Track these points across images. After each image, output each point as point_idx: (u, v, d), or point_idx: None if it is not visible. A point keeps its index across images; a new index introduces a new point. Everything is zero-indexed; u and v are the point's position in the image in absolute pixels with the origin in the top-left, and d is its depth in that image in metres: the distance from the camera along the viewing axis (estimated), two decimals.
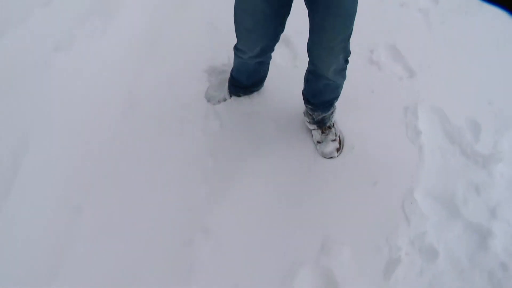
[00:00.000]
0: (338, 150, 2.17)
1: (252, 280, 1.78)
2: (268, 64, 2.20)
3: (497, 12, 2.82)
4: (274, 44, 1.95)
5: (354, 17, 1.66)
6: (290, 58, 2.61)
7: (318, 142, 2.18)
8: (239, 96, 2.33)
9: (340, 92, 2.08)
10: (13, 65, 2.47)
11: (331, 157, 2.16)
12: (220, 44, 2.62)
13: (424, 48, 2.65)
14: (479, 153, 2.13)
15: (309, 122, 2.21)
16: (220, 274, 1.80)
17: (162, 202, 1.99)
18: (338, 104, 2.13)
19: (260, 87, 2.35)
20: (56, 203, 1.98)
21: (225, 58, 2.55)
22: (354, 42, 2.33)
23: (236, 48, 2.00)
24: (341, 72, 1.92)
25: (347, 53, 1.84)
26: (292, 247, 1.84)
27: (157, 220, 1.93)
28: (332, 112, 2.17)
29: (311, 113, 2.15)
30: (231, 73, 2.28)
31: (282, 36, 1.91)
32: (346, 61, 1.89)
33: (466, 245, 1.84)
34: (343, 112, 2.26)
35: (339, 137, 2.21)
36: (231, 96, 2.35)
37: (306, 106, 2.17)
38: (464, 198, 1.97)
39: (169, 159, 2.13)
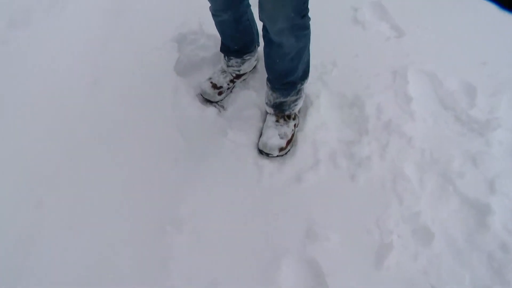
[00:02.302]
0: (281, 149, 1.88)
1: (232, 274, 1.61)
2: (249, 22, 1.96)
3: None
4: None
5: None
6: None
7: (266, 129, 1.92)
8: (230, 59, 2.06)
9: (302, 67, 1.80)
10: None
11: (267, 154, 1.87)
12: (191, 8, 2.38)
13: (413, 4, 2.43)
14: (475, 119, 1.96)
15: (266, 103, 1.97)
16: (197, 267, 1.62)
17: (129, 189, 1.79)
18: (315, 71, 1.90)
19: (251, 51, 2.08)
20: (16, 197, 1.78)
21: (196, 24, 2.33)
22: (336, 1, 2.13)
23: (209, 8, 1.84)
24: (296, 32, 1.59)
25: (300, 8, 1.51)
26: (274, 236, 1.67)
27: (124, 210, 1.74)
28: (296, 100, 1.90)
29: (269, 93, 1.91)
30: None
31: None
32: (304, 17, 1.56)
33: (463, 224, 1.67)
34: (323, 79, 2.07)
35: (291, 135, 1.93)
36: (225, 59, 2.09)
37: (266, 84, 1.92)
38: (460, 171, 1.80)
39: (137, 140, 1.92)
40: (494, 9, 2.41)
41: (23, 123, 1.96)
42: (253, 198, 1.75)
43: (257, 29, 2.06)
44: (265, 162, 1.85)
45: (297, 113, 1.97)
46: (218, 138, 1.89)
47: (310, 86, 2.02)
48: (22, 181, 1.82)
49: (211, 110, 1.99)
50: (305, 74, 1.86)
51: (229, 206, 1.75)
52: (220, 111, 2.03)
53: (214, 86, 2.08)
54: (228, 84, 2.11)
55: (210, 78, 2.12)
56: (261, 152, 1.88)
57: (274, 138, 1.88)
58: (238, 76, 2.14)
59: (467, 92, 2.05)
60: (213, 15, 1.88)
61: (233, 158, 1.86)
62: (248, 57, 2.09)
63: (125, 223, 1.72)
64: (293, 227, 1.68)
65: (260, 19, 1.61)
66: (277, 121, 1.93)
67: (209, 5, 1.82)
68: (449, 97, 2.04)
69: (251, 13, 1.96)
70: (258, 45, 2.13)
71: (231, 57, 2.06)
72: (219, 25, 1.93)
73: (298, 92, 1.88)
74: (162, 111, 1.97)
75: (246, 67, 2.11)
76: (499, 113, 1.96)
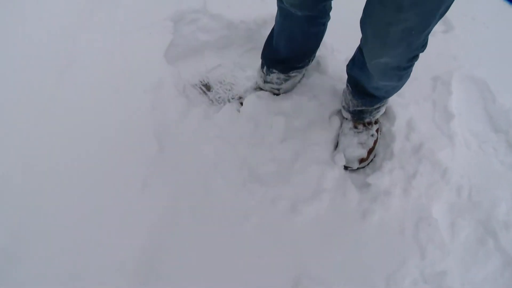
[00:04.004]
0: (362, 161, 1.56)
1: None
2: (323, 29, 1.52)
3: None
4: None
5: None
6: None
7: (342, 138, 1.59)
8: (272, 73, 1.62)
9: (394, 92, 1.47)
10: None
11: (348, 168, 1.55)
12: None
13: None
14: None
15: (343, 107, 1.61)
16: None
17: (89, 207, 1.43)
18: None
19: (302, 66, 1.63)
20: None
21: (199, 1, 1.93)
22: None
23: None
24: (399, 72, 1.28)
25: (418, 45, 1.17)
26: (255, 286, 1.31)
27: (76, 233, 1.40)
28: (379, 108, 1.55)
29: (349, 97, 1.54)
30: (269, 36, 1.61)
31: None
32: (414, 57, 1.24)
33: None
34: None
35: (374, 143, 1.59)
36: (264, 71, 1.66)
37: (346, 86, 1.55)
38: (507, 220, 1.38)
39: (107, 139, 1.55)
40: None
41: None
42: (237, 235, 1.38)
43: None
44: (255, 186, 1.46)
45: (379, 118, 1.62)
46: (199, 150, 1.51)
47: None
48: None
49: (197, 112, 1.60)
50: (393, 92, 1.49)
51: (207, 244, 1.38)
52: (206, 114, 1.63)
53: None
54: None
55: (240, 98, 1.72)
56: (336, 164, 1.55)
57: (353, 147, 1.55)
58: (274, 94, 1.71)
59: None
60: (281, 8, 1.41)
61: (218, 177, 1.48)
62: (294, 74, 1.64)
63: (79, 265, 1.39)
64: (278, 276, 1.31)
65: (363, 49, 1.28)
66: (355, 127, 1.59)
67: None
68: (502, 116, 1.63)
69: (328, 20, 1.49)
70: (312, 61, 1.68)
71: (274, 71, 1.62)
72: (285, 19, 1.45)
73: (382, 102, 1.53)
74: (139, 107, 1.60)
75: (288, 86, 1.67)
76: None
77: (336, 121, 1.63)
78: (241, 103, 1.66)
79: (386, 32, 1.08)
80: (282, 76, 1.61)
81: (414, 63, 1.26)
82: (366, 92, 1.45)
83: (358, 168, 1.55)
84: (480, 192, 1.44)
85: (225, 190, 1.44)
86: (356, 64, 1.41)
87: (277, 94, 1.68)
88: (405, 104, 1.63)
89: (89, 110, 1.61)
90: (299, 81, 1.71)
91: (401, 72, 1.27)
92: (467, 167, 1.50)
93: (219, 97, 1.77)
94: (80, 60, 1.75)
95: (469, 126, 1.61)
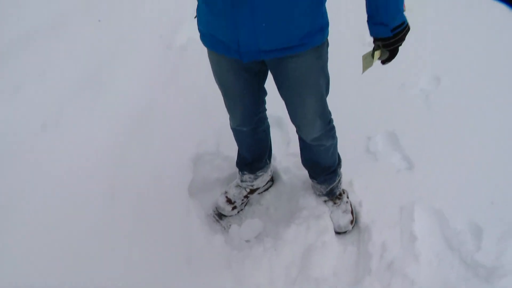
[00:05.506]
0: (352, 222, 2.15)
1: None
2: (265, 134, 2.13)
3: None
4: (259, 109, 1.96)
5: (324, 91, 1.72)
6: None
7: (332, 214, 2.16)
8: (244, 174, 2.22)
9: (337, 156, 2.08)
10: None
11: (345, 231, 2.13)
12: (209, 127, 2.53)
13: (424, 136, 2.51)
14: (481, 264, 1.93)
15: (318, 195, 2.20)
16: None
17: None
18: None
19: (263, 166, 2.22)
20: None
21: (213, 145, 2.45)
22: (351, 128, 2.24)
23: (229, 123, 2.04)
24: (327, 134, 1.90)
25: (325, 119, 1.84)
26: None
27: None
28: (339, 181, 2.15)
29: (317, 187, 2.14)
30: (238, 150, 2.23)
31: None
32: (329, 124, 1.89)
33: None
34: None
35: (350, 206, 2.19)
36: (239, 174, 2.25)
37: (311, 181, 2.16)
38: None
39: (146, 262, 1.97)
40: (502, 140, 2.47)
41: (44, 231, 2.04)
42: None
43: (271, 145, 2.21)
44: None
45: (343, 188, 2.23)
46: (223, 271, 1.93)
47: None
48: None
49: (218, 238, 2.04)
50: (339, 160, 2.11)
51: None
52: (226, 239, 2.08)
53: (229, 201, 2.24)
54: (242, 200, 2.25)
55: (225, 192, 2.26)
56: (338, 233, 2.13)
57: (342, 217, 2.14)
58: (252, 191, 2.28)
59: (474, 234, 2.04)
60: (231, 125, 2.06)
61: None
62: (260, 173, 2.22)
63: None
64: None
65: (298, 134, 1.94)
66: (334, 203, 2.17)
67: (228, 122, 2.04)
68: (455, 237, 2.04)
69: (268, 127, 2.13)
70: (269, 162, 2.26)
71: (245, 172, 2.20)
72: (238, 135, 2.09)
73: (338, 174, 2.13)
74: (172, 234, 2.04)
75: (258, 183, 2.25)
76: (505, 260, 1.94)
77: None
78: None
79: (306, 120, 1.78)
80: (252, 175, 2.21)
81: (332, 125, 1.92)
82: (321, 168, 2.04)
83: (352, 228, 2.14)
84: None
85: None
86: (304, 153, 2.05)
87: (253, 190, 2.29)
88: (379, 229, 2.08)
89: (131, 233, 2.04)
90: (268, 181, 2.33)
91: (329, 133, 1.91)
92: (430, 279, 1.91)
93: (230, 225, 2.22)
94: (121, 191, 2.21)
95: (430, 246, 2.03)
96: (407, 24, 1.52)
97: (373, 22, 1.52)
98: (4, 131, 2.44)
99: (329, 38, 1.61)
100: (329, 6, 1.54)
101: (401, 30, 1.50)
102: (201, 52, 1.77)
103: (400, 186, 2.26)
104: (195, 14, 1.61)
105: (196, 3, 1.56)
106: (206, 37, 1.61)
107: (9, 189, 2.14)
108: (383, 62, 1.63)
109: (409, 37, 1.56)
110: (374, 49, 1.55)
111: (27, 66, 2.71)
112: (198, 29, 1.63)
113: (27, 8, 3.54)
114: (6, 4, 3.53)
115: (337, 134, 1.99)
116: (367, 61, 1.56)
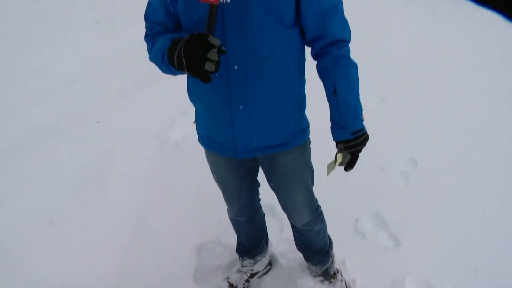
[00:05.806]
0: None
1: None
2: (261, 222, 2.30)
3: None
4: (254, 199, 2.14)
5: (310, 182, 1.94)
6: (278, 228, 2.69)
7: None
8: (244, 260, 2.37)
9: (327, 238, 2.21)
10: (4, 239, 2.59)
11: None
12: (210, 218, 2.72)
13: (407, 215, 2.72)
14: None
15: (314, 276, 2.32)
16: None
17: None
18: None
19: (262, 251, 2.38)
20: None
21: (214, 234, 2.63)
22: (339, 212, 2.45)
23: (228, 214, 2.21)
24: (316, 219, 2.05)
25: (313, 206, 2.02)
26: None
27: None
28: (332, 261, 2.27)
29: (313, 268, 2.28)
30: (237, 239, 2.38)
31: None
32: (317, 210, 2.05)
33: None
34: None
35: (345, 284, 2.32)
36: (240, 260, 2.40)
37: (307, 263, 2.30)
38: None
39: None
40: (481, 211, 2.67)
41: None
42: None
43: (267, 232, 2.38)
44: None
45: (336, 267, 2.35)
46: None
47: None
48: None
49: None
50: (330, 241, 2.25)
51: None
52: None
53: (231, 286, 2.37)
54: (243, 284, 2.39)
55: (228, 278, 2.41)
56: None
57: None
58: (252, 275, 2.43)
59: None
60: (231, 219, 2.22)
61: None
62: (259, 258, 2.38)
63: None
64: None
65: (290, 221, 2.11)
66: (330, 282, 2.29)
67: (226, 213, 2.22)
68: None
69: (263, 215, 2.31)
70: (267, 247, 2.42)
71: (245, 258, 2.36)
72: (236, 224, 2.25)
73: (331, 255, 2.26)
74: None
75: (258, 267, 2.40)
76: None
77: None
78: None
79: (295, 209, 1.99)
80: (251, 260, 2.35)
81: (320, 210, 2.08)
82: (315, 250, 2.18)
83: None
84: None
85: None
86: (297, 237, 2.19)
87: (253, 274, 2.42)
88: None
89: None
90: (267, 265, 2.47)
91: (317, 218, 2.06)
92: None
93: None
94: (127, 284, 2.34)
95: None
96: (366, 132, 1.71)
97: (336, 127, 1.70)
98: (11, 227, 2.66)
99: (310, 137, 1.88)
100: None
101: (361, 135, 1.68)
102: (196, 147, 1.99)
103: (389, 262, 2.44)
104: (193, 119, 1.87)
105: (194, 109, 1.82)
106: (205, 139, 1.85)
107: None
108: (346, 168, 1.72)
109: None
110: (337, 153, 1.71)
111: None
112: (197, 132, 1.88)
113: (32, 109, 3.90)
114: (13, 104, 3.89)
115: (327, 218, 2.16)
116: (331, 165, 1.72)
